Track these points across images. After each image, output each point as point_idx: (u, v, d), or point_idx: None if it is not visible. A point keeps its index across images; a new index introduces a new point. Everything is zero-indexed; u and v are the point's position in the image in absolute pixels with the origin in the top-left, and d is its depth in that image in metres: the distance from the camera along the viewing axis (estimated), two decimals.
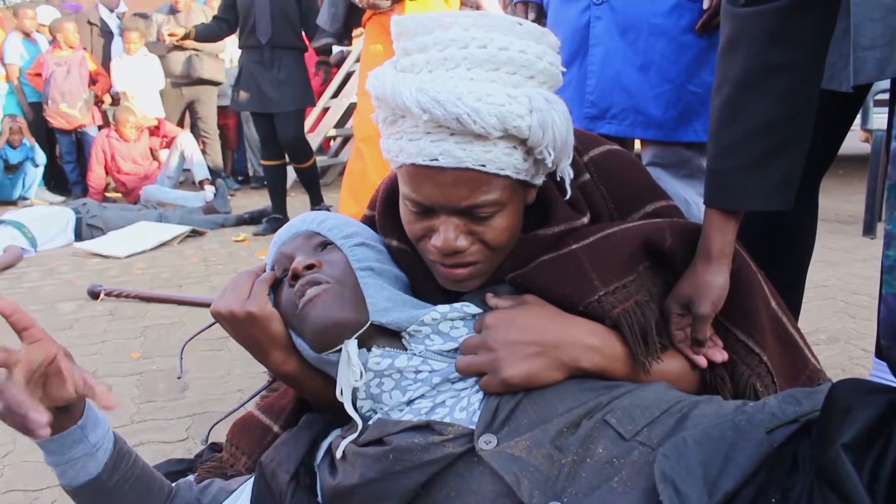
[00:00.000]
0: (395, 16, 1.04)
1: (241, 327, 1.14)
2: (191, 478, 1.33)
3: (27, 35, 7.44)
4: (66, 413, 1.03)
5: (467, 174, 0.99)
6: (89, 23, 7.50)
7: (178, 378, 2.23)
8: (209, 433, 1.48)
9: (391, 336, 1.12)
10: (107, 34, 7.59)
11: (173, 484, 1.23)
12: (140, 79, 6.97)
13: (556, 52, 1.03)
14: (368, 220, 1.30)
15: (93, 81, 7.26)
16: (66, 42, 7.10)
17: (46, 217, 4.94)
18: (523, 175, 1.03)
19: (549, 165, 1.04)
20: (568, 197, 1.12)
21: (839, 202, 5.20)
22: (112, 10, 7.74)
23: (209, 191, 6.17)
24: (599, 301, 1.08)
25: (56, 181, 7.71)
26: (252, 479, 1.18)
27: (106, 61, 7.49)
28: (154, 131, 6.85)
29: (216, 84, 7.35)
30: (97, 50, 7.52)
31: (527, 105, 0.97)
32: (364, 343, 1.11)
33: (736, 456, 0.87)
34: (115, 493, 1.10)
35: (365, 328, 1.10)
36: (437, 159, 0.98)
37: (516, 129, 0.97)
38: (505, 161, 1.00)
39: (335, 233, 1.21)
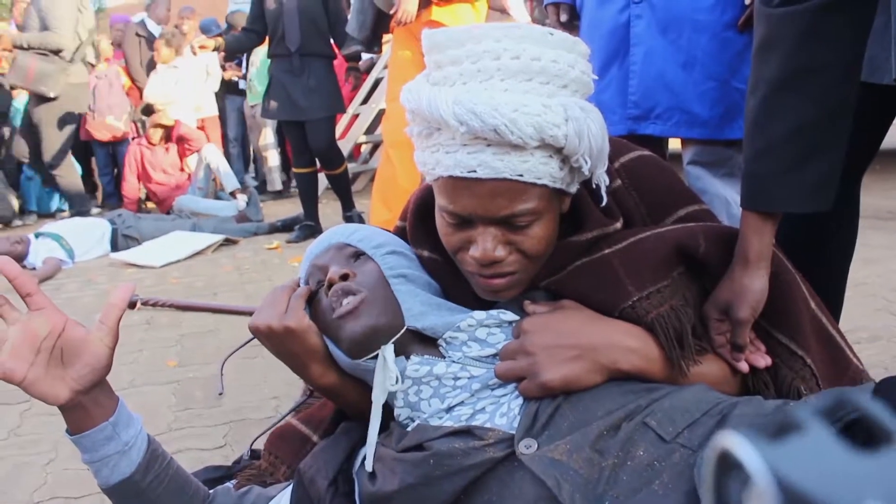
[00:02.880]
0: (426, 30, 1.03)
1: (280, 342, 1.15)
2: (229, 484, 1.33)
3: None
4: (98, 405, 1.05)
5: (505, 184, 0.98)
6: (137, 35, 7.58)
7: (220, 395, 2.25)
8: (251, 446, 1.49)
9: (428, 344, 1.13)
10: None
11: (211, 490, 1.24)
12: (170, 89, 7.04)
13: (587, 61, 1.03)
14: (400, 231, 1.30)
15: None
16: (102, 55, 7.21)
17: (83, 228, 5.02)
18: (559, 183, 1.03)
19: (586, 173, 1.04)
20: (604, 203, 1.11)
21: (878, 198, 5.11)
22: (159, 24, 7.83)
23: (241, 200, 6.22)
24: (633, 306, 1.08)
25: (91, 193, 7.84)
26: (291, 486, 1.19)
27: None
28: (182, 143, 6.88)
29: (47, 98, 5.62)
30: (145, 60, 7.59)
31: (562, 114, 0.96)
32: (402, 351, 1.11)
33: None
34: (148, 493, 1.11)
35: (401, 333, 1.10)
36: (475, 171, 0.98)
37: (553, 138, 0.96)
38: (542, 170, 0.99)
39: (366, 243, 1.22)
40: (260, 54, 6.92)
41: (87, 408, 1.04)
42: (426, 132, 1.03)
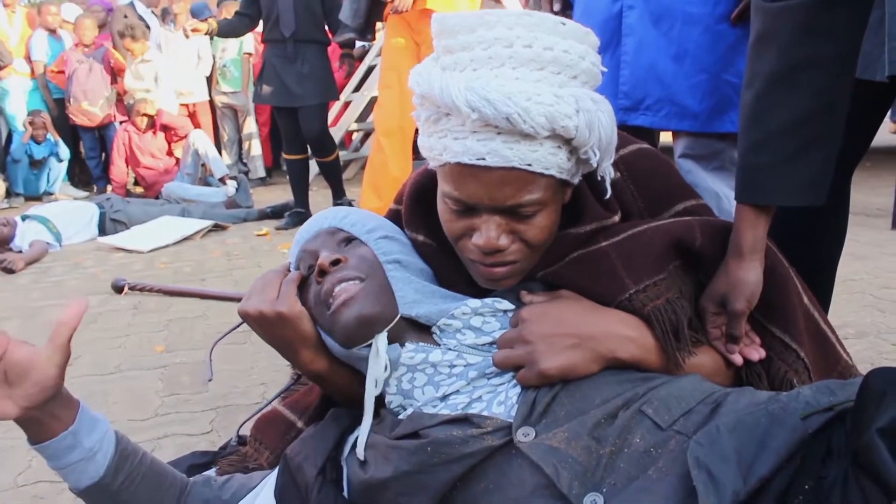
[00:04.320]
0: (437, 14, 1.03)
1: (271, 328, 1.14)
2: (210, 472, 1.33)
3: (52, 32, 7.50)
4: (54, 418, 1.03)
5: (513, 173, 0.98)
6: (126, 17, 7.51)
7: (209, 381, 2.23)
8: (238, 432, 1.48)
9: (423, 331, 1.12)
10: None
11: (190, 479, 1.23)
12: (150, 85, 6.97)
13: (597, 52, 1.03)
14: (394, 214, 1.29)
15: (116, 78, 7.30)
16: (82, 40, 7.15)
17: (71, 212, 4.99)
18: (566, 174, 1.03)
19: (592, 165, 1.03)
20: (608, 196, 1.11)
21: (867, 195, 5.13)
22: (149, 8, 7.76)
23: (231, 186, 6.20)
24: (630, 299, 1.08)
25: (80, 176, 7.79)
26: (273, 473, 1.18)
27: None
28: (167, 129, 6.82)
29: None
30: None
31: (574, 105, 0.96)
32: (396, 338, 1.10)
33: (770, 442, 0.86)
34: (121, 493, 1.10)
35: (395, 322, 1.09)
36: (484, 158, 0.97)
37: (564, 128, 0.96)
38: (550, 160, 0.99)
39: (358, 228, 1.20)
40: (232, 39, 6.88)
41: (42, 421, 1.02)
42: (434, 117, 1.02)
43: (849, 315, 2.67)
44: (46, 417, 1.02)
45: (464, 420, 1.00)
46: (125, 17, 7.45)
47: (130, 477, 1.11)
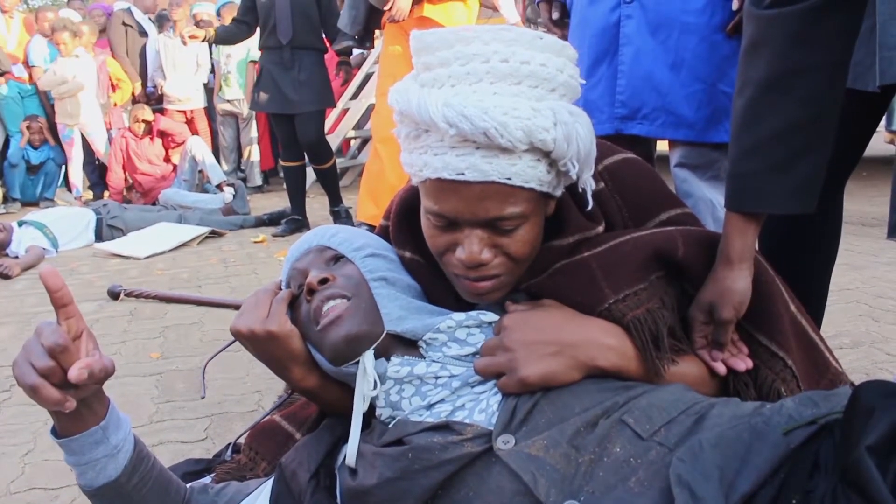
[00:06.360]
0: (415, 31, 1.04)
1: (262, 346, 1.15)
2: (205, 480, 1.33)
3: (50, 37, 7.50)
4: (90, 410, 1.03)
5: (493, 187, 0.99)
6: (124, 24, 7.49)
7: (202, 398, 2.21)
8: (234, 442, 1.48)
9: (409, 345, 1.13)
10: (144, 35, 7.59)
11: (188, 486, 1.23)
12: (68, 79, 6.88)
13: (574, 65, 1.03)
14: (384, 230, 1.30)
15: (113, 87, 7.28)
16: (87, 45, 7.14)
17: (67, 218, 4.98)
18: (546, 187, 1.03)
19: (573, 177, 1.04)
20: (590, 207, 1.11)
21: (863, 204, 5.14)
22: (146, 14, 7.77)
23: (228, 192, 6.19)
24: (610, 309, 1.08)
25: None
26: (270, 481, 1.18)
27: (143, 62, 7.52)
28: (165, 136, 6.80)
29: None
30: (133, 51, 7.50)
31: (551, 118, 0.97)
32: (383, 353, 1.11)
33: (752, 458, 0.86)
34: (132, 495, 1.10)
35: (381, 339, 1.10)
36: (463, 173, 0.98)
37: (542, 142, 0.97)
38: (530, 174, 0.99)
39: (346, 246, 1.21)
40: (238, 45, 6.85)
41: (80, 412, 1.01)
42: (414, 134, 1.03)
43: (844, 324, 2.68)
44: (84, 408, 1.02)
45: (445, 427, 1.00)
46: (123, 23, 7.44)
47: (143, 480, 1.11)
